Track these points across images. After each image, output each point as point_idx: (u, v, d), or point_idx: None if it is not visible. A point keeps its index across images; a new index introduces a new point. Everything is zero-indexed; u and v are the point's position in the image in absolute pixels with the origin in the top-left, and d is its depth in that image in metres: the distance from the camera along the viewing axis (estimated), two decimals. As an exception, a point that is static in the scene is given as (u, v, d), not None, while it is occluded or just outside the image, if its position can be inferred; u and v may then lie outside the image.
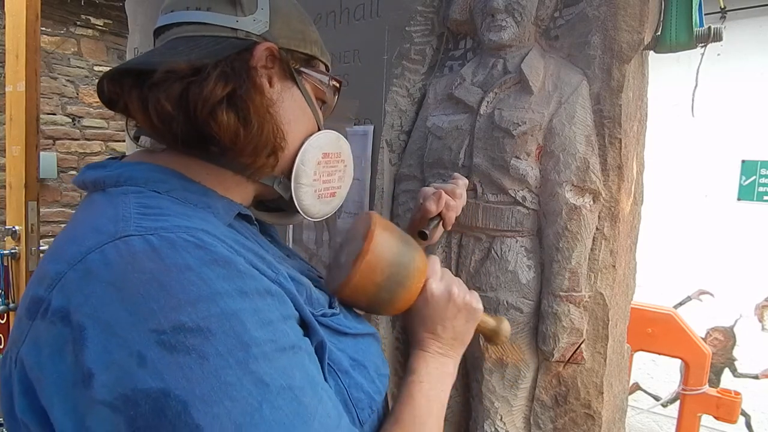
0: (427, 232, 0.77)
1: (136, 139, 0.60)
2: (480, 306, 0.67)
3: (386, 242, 0.62)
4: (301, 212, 0.62)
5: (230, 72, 0.52)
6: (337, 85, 0.66)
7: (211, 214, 0.51)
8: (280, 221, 0.69)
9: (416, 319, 0.65)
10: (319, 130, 0.63)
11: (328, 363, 0.51)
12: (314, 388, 0.45)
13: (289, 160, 0.59)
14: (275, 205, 0.67)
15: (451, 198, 0.79)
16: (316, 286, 0.59)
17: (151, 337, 0.38)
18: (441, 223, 0.80)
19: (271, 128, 0.54)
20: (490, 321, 0.72)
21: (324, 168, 0.62)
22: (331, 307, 0.58)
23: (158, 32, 0.59)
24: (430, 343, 0.64)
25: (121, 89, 0.52)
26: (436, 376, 0.62)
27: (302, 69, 0.61)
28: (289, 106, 0.59)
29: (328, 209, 0.66)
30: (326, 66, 0.66)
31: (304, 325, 0.50)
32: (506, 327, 0.72)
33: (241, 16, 0.56)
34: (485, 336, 0.73)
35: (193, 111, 0.50)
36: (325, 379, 0.49)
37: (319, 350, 0.50)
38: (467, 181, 0.87)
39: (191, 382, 0.38)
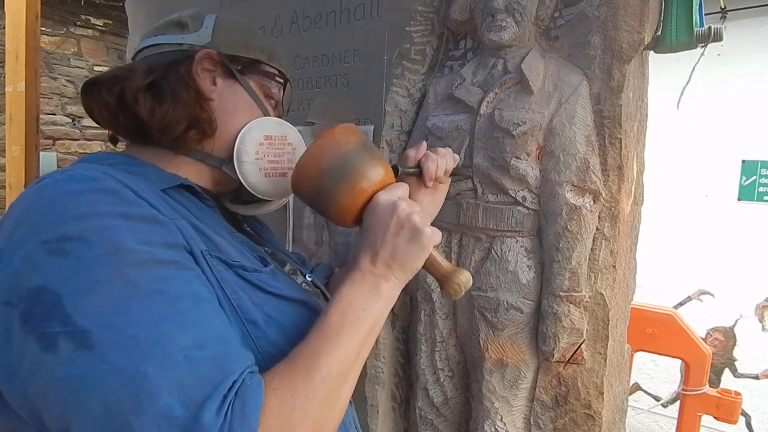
0: (400, 167, 0.75)
1: (111, 139, 0.72)
2: (427, 230, 0.62)
3: (342, 138, 0.65)
4: (249, 188, 0.70)
5: (155, 66, 0.64)
6: (282, 82, 0.77)
7: (142, 178, 0.58)
8: (253, 211, 0.78)
9: (361, 234, 0.66)
10: None
11: (236, 310, 0.56)
12: (197, 301, 0.50)
13: (231, 143, 0.68)
14: (250, 198, 0.74)
15: (433, 153, 0.79)
16: (259, 257, 0.66)
17: (41, 246, 0.47)
18: (420, 175, 0.78)
19: (192, 108, 0.64)
20: (443, 263, 0.67)
21: (268, 149, 0.71)
22: (262, 266, 0.63)
23: (133, 60, 0.72)
24: (364, 262, 0.63)
25: (88, 99, 0.65)
26: (359, 296, 0.60)
27: (245, 70, 0.71)
28: (230, 98, 0.69)
29: (279, 188, 0.73)
30: (278, 70, 0.76)
31: (195, 261, 0.55)
32: (464, 278, 0.65)
33: (187, 34, 0.69)
34: (437, 279, 0.68)
35: (126, 101, 0.61)
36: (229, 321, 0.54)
37: (214, 287, 0.55)
38: (458, 157, 0.86)
39: (65, 279, 0.46)
